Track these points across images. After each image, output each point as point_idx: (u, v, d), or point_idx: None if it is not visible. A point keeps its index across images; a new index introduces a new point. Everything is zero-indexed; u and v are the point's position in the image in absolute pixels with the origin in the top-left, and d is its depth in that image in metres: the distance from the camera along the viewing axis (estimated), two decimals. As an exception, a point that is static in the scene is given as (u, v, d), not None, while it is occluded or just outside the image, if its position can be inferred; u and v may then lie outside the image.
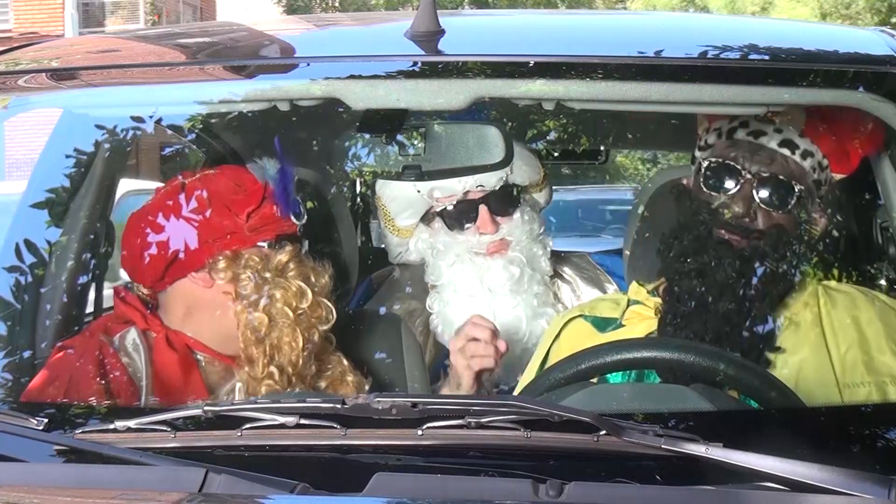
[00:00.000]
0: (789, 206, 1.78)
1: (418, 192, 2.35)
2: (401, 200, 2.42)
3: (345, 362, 2.03)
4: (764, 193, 1.79)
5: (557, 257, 2.54)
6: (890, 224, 2.05)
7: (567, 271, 2.52)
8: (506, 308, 2.32)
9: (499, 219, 2.33)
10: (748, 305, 1.74)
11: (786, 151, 1.81)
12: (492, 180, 2.28)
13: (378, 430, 1.28)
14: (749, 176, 1.79)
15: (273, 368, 1.88)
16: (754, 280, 1.75)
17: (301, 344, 1.88)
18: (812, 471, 1.14)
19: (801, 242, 1.82)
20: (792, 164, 1.81)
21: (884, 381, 1.71)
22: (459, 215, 2.33)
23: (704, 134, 1.94)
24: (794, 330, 1.80)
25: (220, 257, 1.91)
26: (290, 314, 1.89)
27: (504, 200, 2.33)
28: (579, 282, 2.47)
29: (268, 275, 1.90)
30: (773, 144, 1.81)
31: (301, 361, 1.89)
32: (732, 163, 1.81)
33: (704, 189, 1.83)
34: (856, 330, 1.77)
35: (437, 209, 2.35)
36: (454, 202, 2.32)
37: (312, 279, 1.94)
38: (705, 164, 1.83)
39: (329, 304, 1.94)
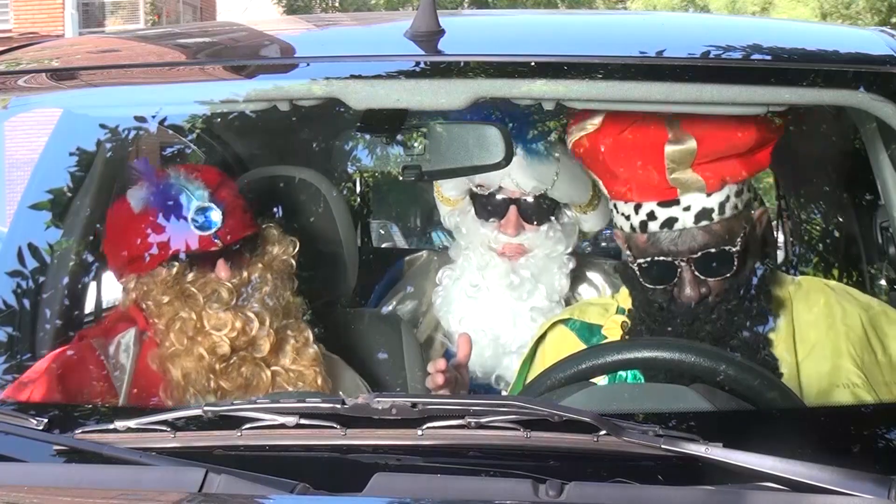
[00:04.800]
0: (734, 266, 1.75)
1: None
2: None
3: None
4: (705, 270, 1.76)
5: (590, 263, 2.53)
6: (890, 224, 2.05)
7: (597, 278, 2.50)
8: (496, 308, 2.33)
9: (525, 224, 2.32)
10: (737, 351, 1.73)
11: (703, 223, 1.76)
12: (529, 185, 2.27)
13: (378, 430, 1.28)
14: (683, 262, 1.76)
15: (189, 392, 1.87)
16: (735, 333, 1.75)
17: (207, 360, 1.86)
18: (812, 471, 1.14)
19: (758, 257, 1.82)
20: (715, 227, 1.76)
21: (838, 386, 1.71)
22: (489, 207, 2.33)
23: (615, 211, 1.87)
24: (772, 332, 1.80)
25: (126, 280, 1.95)
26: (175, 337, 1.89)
27: (536, 209, 2.32)
28: (608, 290, 2.45)
29: (165, 298, 1.90)
30: (690, 223, 1.76)
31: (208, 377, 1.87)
32: (662, 257, 1.77)
33: (650, 286, 1.80)
34: (820, 332, 1.77)
35: (474, 193, 2.36)
36: (489, 192, 2.32)
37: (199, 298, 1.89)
38: (636, 266, 1.80)
39: (227, 315, 1.87)
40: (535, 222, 2.33)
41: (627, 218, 1.82)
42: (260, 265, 1.95)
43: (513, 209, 2.30)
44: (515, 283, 2.31)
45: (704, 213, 1.76)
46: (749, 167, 1.80)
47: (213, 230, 1.89)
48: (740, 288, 1.77)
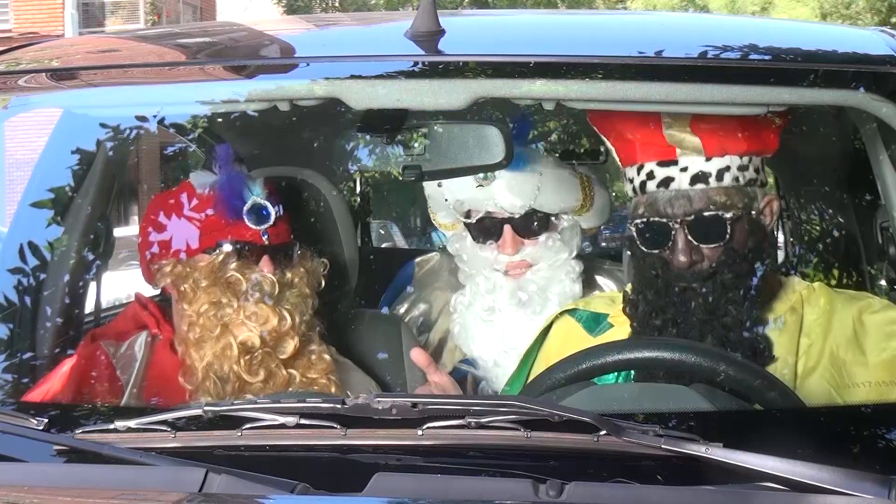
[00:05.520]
0: (728, 234, 1.77)
1: (445, 200, 2.35)
2: (435, 200, 2.42)
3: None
4: (697, 235, 1.77)
5: (598, 268, 2.52)
6: (890, 224, 2.05)
7: (608, 284, 2.49)
8: (514, 328, 2.31)
9: (523, 240, 2.30)
10: (731, 332, 1.74)
11: (699, 186, 1.79)
12: (514, 205, 2.26)
13: (378, 430, 1.28)
14: (677, 224, 1.78)
15: (210, 380, 1.88)
16: (728, 308, 1.75)
17: (236, 351, 1.88)
18: (812, 471, 1.14)
19: (761, 243, 1.82)
20: (712, 193, 1.79)
21: (825, 385, 1.72)
22: (484, 231, 2.31)
23: (625, 178, 1.92)
24: (778, 333, 1.80)
25: (165, 263, 1.96)
26: (209, 323, 1.90)
27: (529, 223, 2.29)
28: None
29: (204, 283, 1.92)
30: (685, 185, 1.79)
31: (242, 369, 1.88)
32: (657, 218, 1.80)
33: (645, 249, 1.83)
34: (818, 333, 1.78)
35: (466, 220, 2.34)
36: (480, 216, 2.30)
37: (239, 286, 1.92)
38: (634, 227, 1.83)
39: (265, 308, 1.91)
40: (533, 236, 2.30)
41: (631, 181, 1.86)
42: (302, 269, 2.01)
43: (507, 228, 2.28)
44: (524, 300, 2.29)
45: (701, 177, 1.79)
46: (752, 143, 1.82)
47: (266, 226, 1.96)
48: (736, 262, 1.77)
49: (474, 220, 2.31)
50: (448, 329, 2.47)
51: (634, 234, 1.83)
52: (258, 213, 1.96)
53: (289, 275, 1.97)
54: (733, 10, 19.51)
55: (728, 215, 1.77)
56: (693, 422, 1.33)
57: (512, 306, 2.30)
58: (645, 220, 1.82)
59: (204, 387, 1.87)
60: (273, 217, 1.97)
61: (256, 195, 1.97)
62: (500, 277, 2.31)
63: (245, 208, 1.95)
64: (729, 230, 1.77)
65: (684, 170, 1.80)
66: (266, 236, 1.96)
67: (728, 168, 1.80)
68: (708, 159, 1.79)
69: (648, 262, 1.82)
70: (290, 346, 1.93)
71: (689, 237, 1.77)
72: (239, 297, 1.91)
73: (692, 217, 1.78)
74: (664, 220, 1.79)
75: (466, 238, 2.36)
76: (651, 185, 1.82)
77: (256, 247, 1.96)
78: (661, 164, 1.81)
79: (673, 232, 1.78)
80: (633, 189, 1.86)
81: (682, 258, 1.77)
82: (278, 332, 1.91)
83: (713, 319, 1.75)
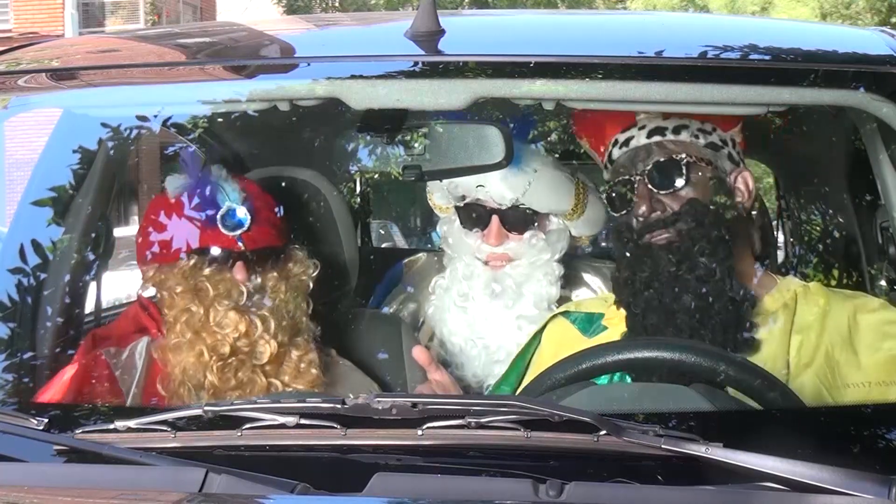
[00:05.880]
0: (684, 177, 1.81)
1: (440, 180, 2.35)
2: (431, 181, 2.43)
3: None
4: (655, 182, 1.81)
5: (588, 266, 2.53)
6: (890, 224, 2.05)
7: (595, 281, 2.49)
8: (484, 318, 2.33)
9: (508, 234, 2.31)
10: (706, 285, 1.75)
11: (656, 138, 1.85)
12: (503, 196, 2.26)
13: (378, 430, 1.28)
14: (638, 177, 1.83)
15: (185, 386, 1.87)
16: (698, 259, 1.76)
17: (208, 358, 1.87)
18: (812, 471, 1.14)
19: (723, 199, 1.84)
20: (668, 145, 1.84)
21: (820, 385, 1.71)
22: (473, 218, 2.33)
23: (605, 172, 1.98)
24: (770, 331, 1.80)
25: (147, 268, 1.96)
26: (186, 330, 1.90)
27: (518, 218, 2.30)
28: (606, 293, 2.43)
29: (178, 289, 1.92)
30: (643, 140, 1.86)
31: (214, 377, 1.87)
32: (620, 177, 1.86)
33: (618, 216, 1.87)
34: (813, 332, 1.78)
35: (458, 204, 2.36)
36: (471, 203, 2.32)
37: (205, 292, 1.91)
38: (605, 196, 1.89)
39: (233, 315, 1.89)
40: (518, 231, 2.31)
41: (606, 168, 1.94)
42: (276, 275, 1.97)
43: (495, 219, 2.29)
44: (497, 292, 2.31)
45: (657, 130, 1.86)
46: (712, 116, 1.85)
47: (239, 232, 1.93)
48: (698, 211, 1.78)
49: (465, 204, 2.33)
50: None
51: (606, 203, 1.90)
52: (232, 219, 1.93)
53: (260, 280, 1.95)
54: (733, 10, 19.49)
55: (684, 157, 1.81)
56: (693, 422, 1.33)
57: (485, 296, 2.32)
58: (611, 183, 1.88)
59: (178, 393, 1.86)
60: (248, 223, 1.94)
61: (232, 200, 1.95)
62: (479, 266, 2.33)
63: (219, 214, 1.93)
64: (685, 173, 1.80)
65: (642, 128, 1.87)
66: (241, 242, 1.93)
67: (686, 126, 1.84)
68: (666, 118, 1.85)
69: (619, 228, 1.86)
70: (266, 352, 1.90)
71: (649, 186, 1.81)
72: (207, 304, 1.89)
73: (650, 167, 1.82)
74: (626, 176, 1.85)
75: (455, 222, 2.38)
76: (616, 152, 1.90)
77: (230, 253, 1.93)
78: (624, 129, 1.89)
79: (635, 186, 1.83)
80: (605, 167, 1.92)
81: (643, 208, 1.80)
82: (249, 339, 1.89)
83: (684, 270, 1.75)
